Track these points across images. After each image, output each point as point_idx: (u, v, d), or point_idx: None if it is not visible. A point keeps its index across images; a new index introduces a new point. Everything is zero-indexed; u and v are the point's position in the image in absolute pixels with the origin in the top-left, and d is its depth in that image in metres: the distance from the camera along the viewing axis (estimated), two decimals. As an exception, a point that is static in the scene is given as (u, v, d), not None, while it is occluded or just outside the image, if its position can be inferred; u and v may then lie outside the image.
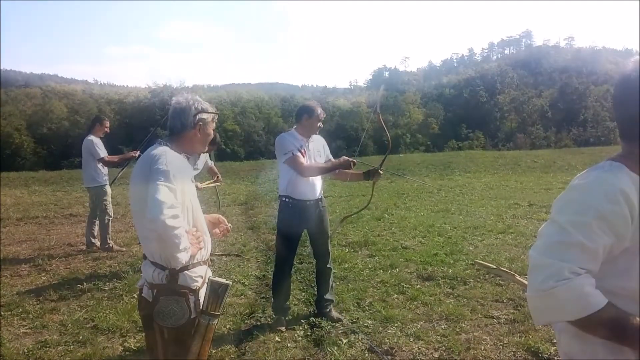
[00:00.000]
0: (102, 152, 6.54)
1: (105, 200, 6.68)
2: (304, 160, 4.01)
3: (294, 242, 4.26)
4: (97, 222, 6.75)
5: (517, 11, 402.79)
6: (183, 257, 2.18)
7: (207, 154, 6.20)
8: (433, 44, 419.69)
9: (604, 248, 1.33)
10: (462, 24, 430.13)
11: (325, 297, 4.35)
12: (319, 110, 4.13)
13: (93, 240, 6.77)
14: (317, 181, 4.17)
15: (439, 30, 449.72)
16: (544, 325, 4.07)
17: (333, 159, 4.26)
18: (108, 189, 6.75)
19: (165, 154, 2.22)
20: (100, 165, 6.61)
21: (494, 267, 2.71)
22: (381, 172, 4.14)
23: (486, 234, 7.18)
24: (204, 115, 2.41)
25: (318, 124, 4.12)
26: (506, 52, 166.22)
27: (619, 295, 1.36)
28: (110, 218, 6.80)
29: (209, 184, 6.25)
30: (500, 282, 5.11)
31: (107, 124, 6.87)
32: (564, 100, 77.55)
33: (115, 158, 6.75)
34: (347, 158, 4.12)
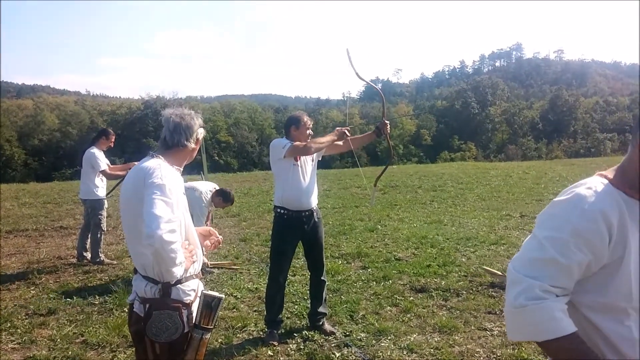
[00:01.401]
0: (103, 164, 6.50)
1: (101, 215, 6.63)
2: (302, 142, 4.03)
3: (289, 254, 4.24)
4: (89, 235, 6.69)
5: (507, 24, 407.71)
6: (178, 272, 2.18)
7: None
8: (425, 56, 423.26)
9: (580, 265, 1.35)
10: (453, 36, 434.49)
11: (318, 310, 4.33)
12: (305, 119, 4.16)
13: (85, 253, 6.71)
14: (312, 190, 4.16)
15: (430, 43, 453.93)
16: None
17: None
18: (105, 202, 6.72)
19: (160, 167, 2.20)
20: (100, 178, 6.59)
21: (501, 273, 2.69)
22: (387, 122, 4.22)
23: (479, 245, 7.18)
24: (201, 129, 2.45)
25: (307, 132, 4.13)
26: (497, 64, 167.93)
27: (596, 310, 1.39)
28: (104, 232, 6.76)
29: (220, 264, 6.21)
30: (493, 293, 5.11)
31: (113, 138, 6.85)
32: (554, 112, 78.32)
33: (118, 170, 6.66)
34: (340, 128, 4.21)
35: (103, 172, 6.48)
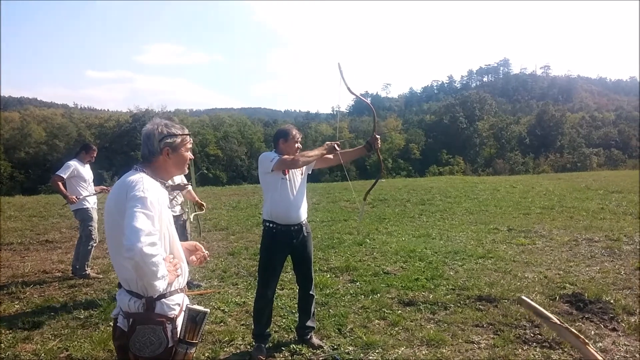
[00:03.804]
0: (63, 172, 6.47)
1: (91, 226, 6.61)
2: (291, 155, 4.01)
3: (277, 268, 4.21)
4: (80, 247, 6.61)
5: (495, 40, 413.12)
6: (161, 285, 2.15)
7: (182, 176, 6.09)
8: (414, 71, 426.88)
9: None
10: (441, 51, 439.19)
11: (306, 324, 4.31)
12: (294, 132, 4.15)
13: (86, 267, 6.62)
14: (301, 204, 4.14)
15: (419, 58, 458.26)
16: (523, 350, 4.09)
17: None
18: (94, 213, 6.68)
19: (142, 181, 2.20)
20: (83, 188, 6.58)
21: (540, 307, 2.52)
22: (378, 137, 4.18)
23: (466, 258, 7.21)
24: (170, 140, 2.36)
25: (296, 145, 4.13)
26: (485, 79, 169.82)
27: None
28: (95, 244, 6.70)
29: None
30: (480, 307, 5.13)
31: (94, 153, 6.85)
32: (541, 126, 79.31)
33: (61, 189, 6.48)
34: (330, 143, 4.17)
35: (53, 178, 6.48)
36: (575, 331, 2.41)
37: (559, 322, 2.40)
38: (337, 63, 4.18)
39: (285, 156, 3.98)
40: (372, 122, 4.72)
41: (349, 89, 4.30)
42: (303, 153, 4.07)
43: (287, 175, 4.05)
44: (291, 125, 4.31)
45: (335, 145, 4.15)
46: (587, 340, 2.35)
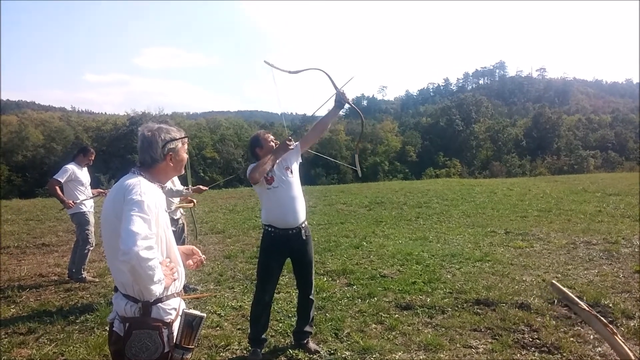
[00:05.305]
0: (61, 176, 6.43)
1: (87, 230, 6.58)
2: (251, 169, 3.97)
3: (275, 272, 4.18)
4: (77, 250, 6.58)
5: (490, 43, 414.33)
6: (157, 289, 2.13)
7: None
8: (410, 74, 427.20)
9: None
10: (438, 54, 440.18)
11: (304, 329, 4.27)
12: (263, 135, 4.15)
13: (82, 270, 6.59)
14: (297, 206, 4.08)
15: (415, 60, 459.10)
16: (522, 354, 4.08)
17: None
18: (91, 217, 6.66)
19: (140, 184, 2.18)
20: (79, 191, 6.56)
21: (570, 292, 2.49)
22: (342, 91, 4.03)
23: (464, 261, 7.20)
24: (173, 145, 2.36)
25: (272, 144, 4.07)
26: (481, 82, 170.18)
27: None
28: (92, 248, 6.67)
29: (183, 205, 6.11)
30: (478, 310, 5.11)
31: (92, 156, 6.83)
32: (537, 129, 79.52)
33: (58, 193, 6.46)
34: (278, 142, 4.09)
35: (50, 181, 6.43)
36: (603, 320, 2.39)
37: (587, 309, 2.38)
38: (264, 61, 4.08)
39: (250, 171, 3.95)
40: (331, 82, 4.20)
41: (288, 71, 4.15)
42: (256, 166, 3.94)
43: (273, 184, 3.99)
44: (258, 131, 4.31)
45: (287, 142, 4.02)
46: (615, 330, 2.32)
